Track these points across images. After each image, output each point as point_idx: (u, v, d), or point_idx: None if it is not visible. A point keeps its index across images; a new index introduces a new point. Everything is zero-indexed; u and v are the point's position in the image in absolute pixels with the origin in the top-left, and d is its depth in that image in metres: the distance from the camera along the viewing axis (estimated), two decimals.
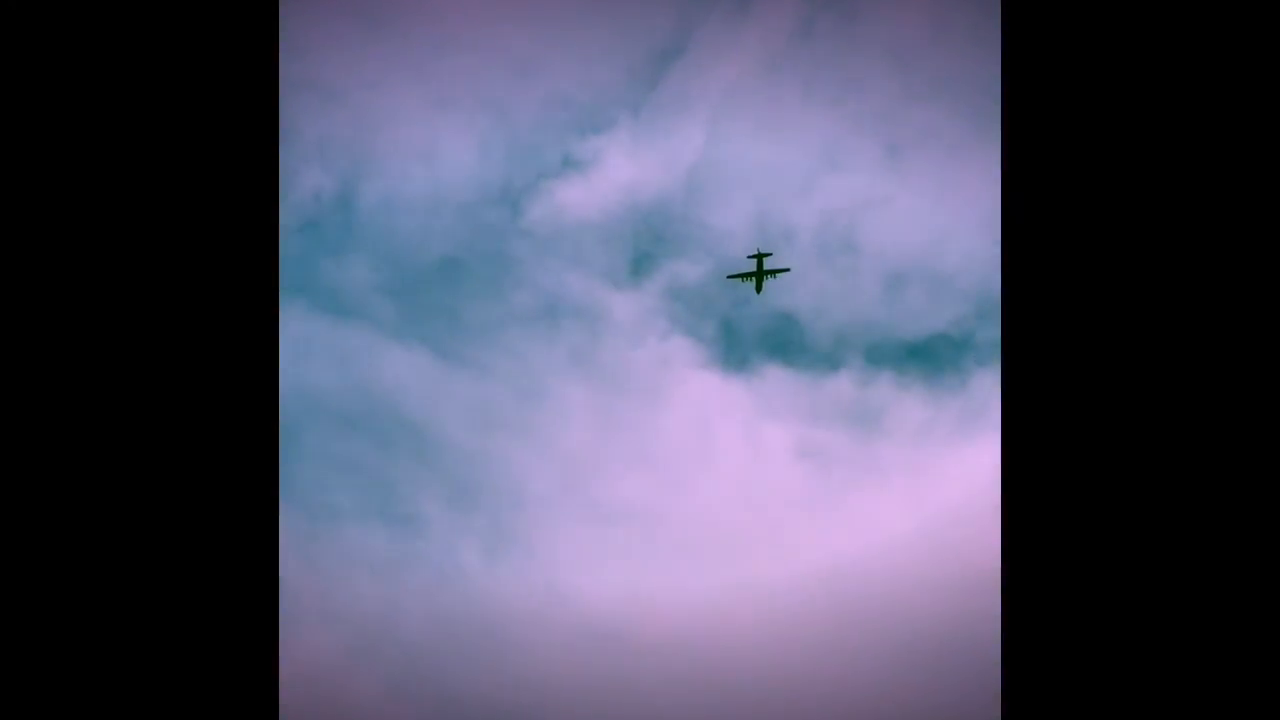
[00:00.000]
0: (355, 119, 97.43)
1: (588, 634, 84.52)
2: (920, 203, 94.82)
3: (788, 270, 72.51)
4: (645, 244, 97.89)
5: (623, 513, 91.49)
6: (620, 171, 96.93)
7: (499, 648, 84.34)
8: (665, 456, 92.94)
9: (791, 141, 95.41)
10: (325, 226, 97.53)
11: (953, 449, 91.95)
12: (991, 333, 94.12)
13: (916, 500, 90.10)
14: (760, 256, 71.70)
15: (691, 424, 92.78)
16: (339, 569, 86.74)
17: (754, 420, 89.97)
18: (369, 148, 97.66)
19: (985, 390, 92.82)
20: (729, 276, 75.31)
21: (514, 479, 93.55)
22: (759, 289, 72.74)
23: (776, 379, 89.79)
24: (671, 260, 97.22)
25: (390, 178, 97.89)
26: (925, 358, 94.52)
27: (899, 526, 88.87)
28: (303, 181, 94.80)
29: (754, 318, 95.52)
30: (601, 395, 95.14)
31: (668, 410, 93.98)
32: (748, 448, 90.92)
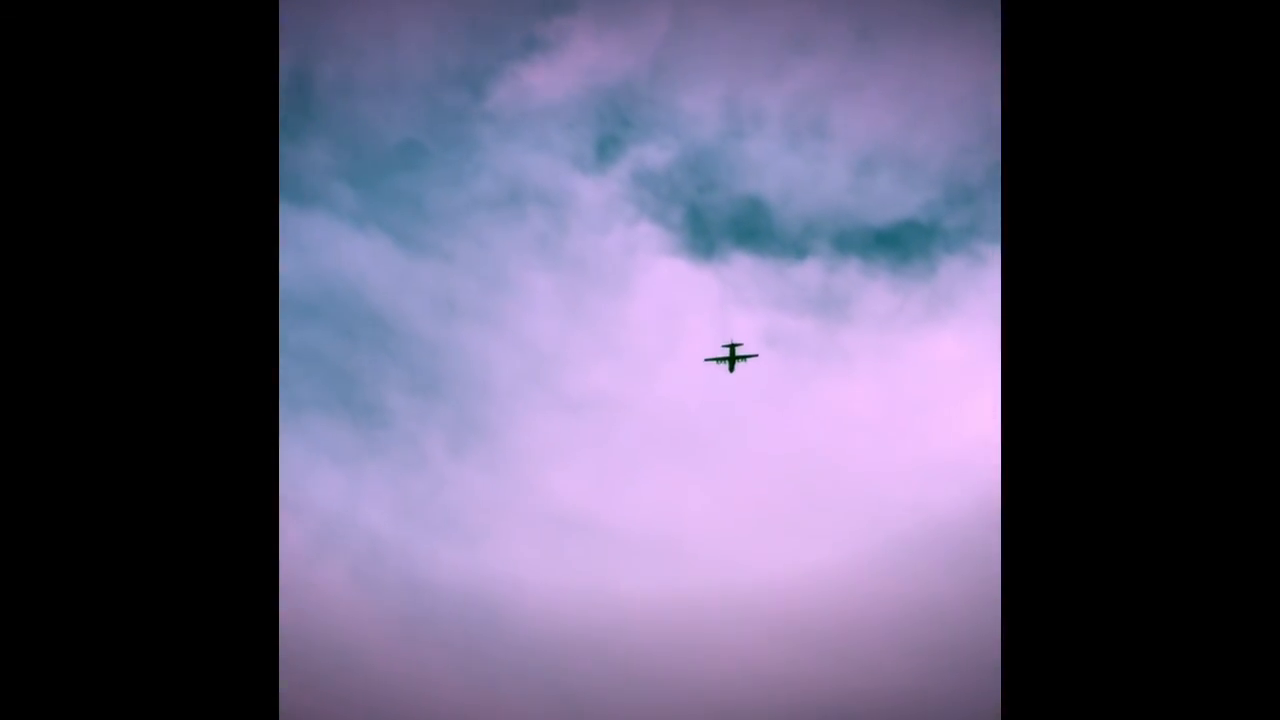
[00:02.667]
0: None
1: (554, 522, 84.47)
2: (891, 87, 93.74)
3: (756, 356, 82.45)
4: (611, 128, 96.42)
5: (590, 402, 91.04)
6: (585, 53, 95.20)
7: (465, 537, 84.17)
8: (632, 345, 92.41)
9: (760, 23, 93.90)
10: (281, 109, 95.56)
11: (919, 336, 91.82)
12: (959, 220, 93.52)
13: (882, 387, 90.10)
14: (732, 346, 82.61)
15: (659, 312, 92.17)
16: (302, 459, 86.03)
17: (721, 308, 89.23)
18: (325, 27, 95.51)
19: (952, 277, 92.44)
20: (705, 359, 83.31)
21: (479, 368, 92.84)
22: (731, 369, 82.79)
23: (744, 266, 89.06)
24: (638, 144, 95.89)
25: (347, 59, 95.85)
26: (893, 244, 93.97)
27: (865, 413, 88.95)
28: None
29: (722, 204, 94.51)
30: (568, 283, 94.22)
31: (635, 298, 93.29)
32: (715, 335, 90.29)
